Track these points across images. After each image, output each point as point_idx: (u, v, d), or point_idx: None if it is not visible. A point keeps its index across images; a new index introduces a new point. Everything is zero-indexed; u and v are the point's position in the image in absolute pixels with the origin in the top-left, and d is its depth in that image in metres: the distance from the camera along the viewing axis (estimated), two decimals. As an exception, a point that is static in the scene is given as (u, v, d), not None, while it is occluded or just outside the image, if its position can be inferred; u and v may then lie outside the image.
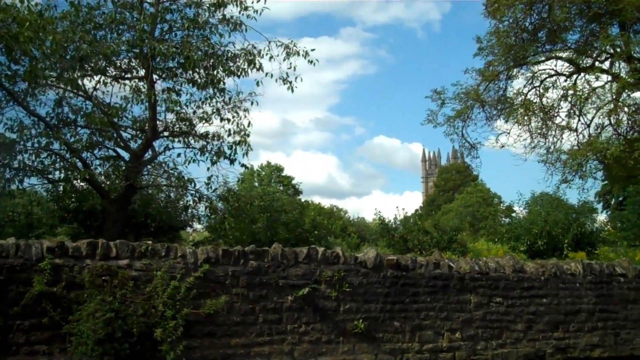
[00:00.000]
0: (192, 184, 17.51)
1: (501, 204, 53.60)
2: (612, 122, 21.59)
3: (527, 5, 22.81)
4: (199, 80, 16.67)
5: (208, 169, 17.42)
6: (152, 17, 15.71)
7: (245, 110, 17.21)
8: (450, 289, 11.12)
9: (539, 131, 23.71)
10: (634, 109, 21.66)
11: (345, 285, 10.18)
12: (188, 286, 8.82)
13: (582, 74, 22.96)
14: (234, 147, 17.15)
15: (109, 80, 16.53)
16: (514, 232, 23.71)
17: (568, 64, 23.75)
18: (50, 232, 19.19)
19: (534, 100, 23.67)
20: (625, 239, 29.18)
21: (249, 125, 17.16)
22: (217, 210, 18.62)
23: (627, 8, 19.92)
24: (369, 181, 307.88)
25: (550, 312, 11.93)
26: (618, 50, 20.86)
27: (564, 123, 23.38)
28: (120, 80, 16.69)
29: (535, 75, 24.22)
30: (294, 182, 67.05)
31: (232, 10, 16.49)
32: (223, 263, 9.40)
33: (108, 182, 17.78)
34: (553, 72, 24.04)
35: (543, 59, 24.02)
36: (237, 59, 16.49)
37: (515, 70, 24.35)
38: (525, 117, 23.39)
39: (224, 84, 16.96)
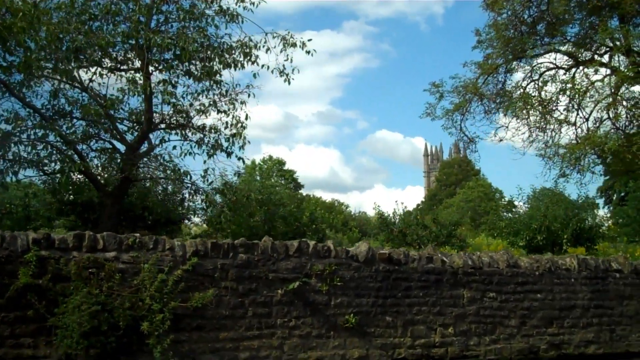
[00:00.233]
0: (188, 177, 17.43)
1: (503, 199, 53.40)
2: (611, 116, 21.43)
3: (525, -3, 22.76)
4: (195, 72, 16.57)
5: (205, 161, 17.36)
6: (147, 8, 15.60)
7: (243, 102, 17.09)
8: (444, 284, 11.03)
9: (537, 125, 23.58)
10: (632, 102, 21.51)
11: (336, 279, 10.10)
12: (176, 279, 8.75)
13: (581, 68, 22.80)
14: (230, 140, 17.05)
15: (104, 71, 16.42)
16: (513, 227, 23.65)
17: (567, 58, 23.60)
18: (48, 224, 19.17)
19: (533, 94, 23.52)
20: (625, 234, 29.09)
21: (246, 118, 17.07)
22: (213, 203, 18.53)
23: (627, 1, 19.77)
24: (371, 175, 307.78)
25: (544, 308, 11.84)
26: (617, 43, 20.69)
27: (562, 117, 23.23)
28: (116, 71, 16.59)
29: (534, 68, 24.09)
30: (295, 175, 67.22)
31: (228, 2, 16.39)
32: (212, 256, 9.32)
33: (106, 175, 17.73)
34: (552, 66, 23.90)
35: (542, 52, 23.87)
36: (233, 51, 16.37)
37: (514, 63, 24.19)
38: (524, 111, 23.25)
39: (221, 76, 16.87)
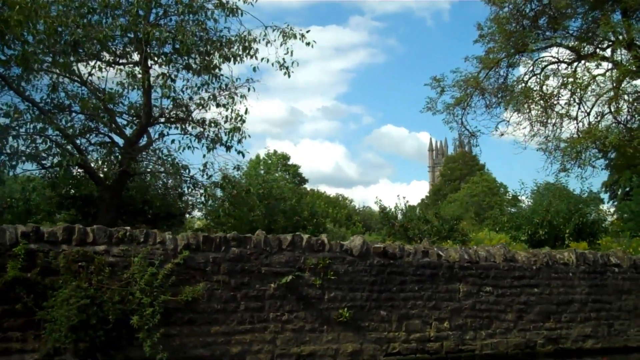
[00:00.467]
0: (187, 171, 17.38)
1: (507, 194, 53.34)
2: (612, 110, 21.25)
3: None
4: (195, 66, 16.51)
5: (204, 155, 17.30)
6: (146, 1, 15.50)
7: (243, 96, 17.02)
8: (439, 278, 10.97)
9: (538, 119, 23.42)
10: (634, 96, 21.33)
11: (330, 273, 10.05)
12: (166, 273, 8.71)
13: (583, 62, 22.63)
14: (229, 134, 17.00)
15: (103, 65, 16.38)
16: (515, 222, 23.55)
17: (569, 52, 23.42)
18: (49, 218, 19.16)
19: (535, 88, 23.37)
20: (629, 229, 28.97)
21: (245, 112, 17.00)
22: (213, 197, 18.48)
23: (630, -6, 19.64)
24: (376, 170, 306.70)
25: (541, 302, 11.77)
26: (620, 37, 20.50)
27: (563, 111, 23.08)
28: (115, 65, 16.54)
29: (536, 62, 23.94)
30: (300, 170, 67.26)
31: (228, -5, 16.28)
32: (204, 250, 9.28)
33: (106, 169, 17.71)
34: (554, 60, 23.74)
35: (544, 46, 23.70)
36: (232, 45, 16.31)
37: (516, 57, 24.02)
38: (525, 105, 23.11)
39: (220, 70, 16.80)
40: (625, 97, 21.29)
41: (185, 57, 16.22)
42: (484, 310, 11.25)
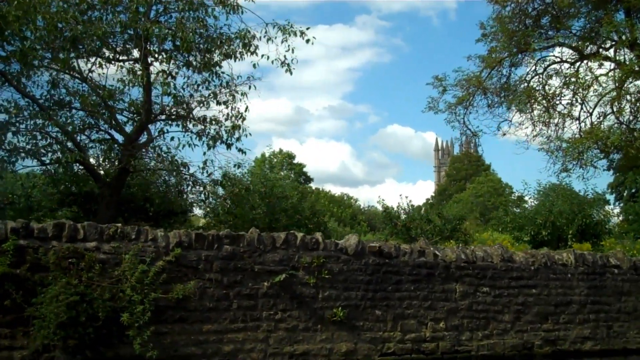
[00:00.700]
0: (187, 168, 17.34)
1: (512, 194, 53.12)
2: (615, 110, 21.10)
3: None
4: (195, 64, 16.46)
5: (204, 153, 17.26)
6: (147, -3, 15.47)
7: (243, 94, 16.97)
8: (435, 278, 10.88)
9: (541, 119, 23.30)
10: (637, 97, 21.18)
11: (324, 272, 9.97)
12: (157, 270, 8.63)
13: (586, 62, 22.49)
14: (230, 132, 16.95)
15: (104, 62, 16.34)
16: (518, 222, 23.43)
17: (572, 51, 23.29)
18: (50, 215, 19.13)
19: (537, 88, 23.26)
20: (633, 231, 28.79)
21: (246, 110, 16.95)
22: (212, 195, 18.44)
23: (633, -7, 19.48)
24: (382, 170, 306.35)
25: (539, 303, 11.67)
26: (623, 37, 20.36)
27: (566, 111, 22.95)
28: (115, 62, 16.50)
29: (539, 62, 23.83)
30: (306, 169, 67.17)
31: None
32: (196, 247, 9.21)
33: (107, 165, 17.68)
34: (557, 59, 23.63)
35: (546, 45, 23.58)
36: (232, 42, 16.24)
37: (518, 56, 23.89)
38: (528, 105, 22.99)
39: (221, 67, 16.75)
40: (628, 97, 21.19)
41: (186, 54, 16.17)
42: (481, 310, 11.16)
